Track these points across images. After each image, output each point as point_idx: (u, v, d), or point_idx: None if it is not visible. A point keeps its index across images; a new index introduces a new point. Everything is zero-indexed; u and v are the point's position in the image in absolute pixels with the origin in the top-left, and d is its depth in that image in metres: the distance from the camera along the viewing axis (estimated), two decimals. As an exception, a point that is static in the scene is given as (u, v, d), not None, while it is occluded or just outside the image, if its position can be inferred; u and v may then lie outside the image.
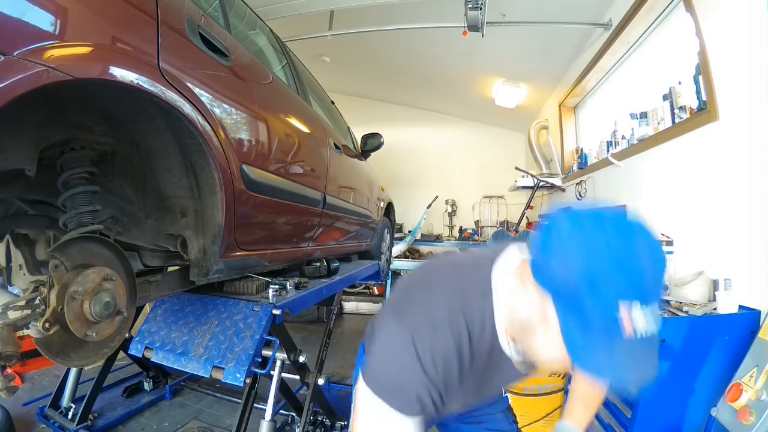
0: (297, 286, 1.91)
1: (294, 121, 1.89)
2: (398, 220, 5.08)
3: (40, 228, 1.22)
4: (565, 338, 0.52)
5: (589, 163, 3.32)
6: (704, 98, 1.78)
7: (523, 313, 0.62)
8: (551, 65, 3.89)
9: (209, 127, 1.20)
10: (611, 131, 2.87)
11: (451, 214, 6.04)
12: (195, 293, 1.77)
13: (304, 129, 1.98)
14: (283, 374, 1.73)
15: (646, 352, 0.47)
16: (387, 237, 4.06)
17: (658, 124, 2.21)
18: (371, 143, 3.16)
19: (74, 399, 2.22)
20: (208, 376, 1.50)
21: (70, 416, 2.14)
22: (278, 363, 1.65)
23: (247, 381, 1.47)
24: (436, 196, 5.79)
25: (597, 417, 1.70)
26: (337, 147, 2.45)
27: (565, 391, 2.11)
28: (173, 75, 1.08)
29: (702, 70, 1.80)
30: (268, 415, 1.60)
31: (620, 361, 0.47)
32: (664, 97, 2.15)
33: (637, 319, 0.45)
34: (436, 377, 0.64)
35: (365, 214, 3.03)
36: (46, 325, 0.90)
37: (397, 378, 0.65)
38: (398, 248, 5.08)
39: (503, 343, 0.69)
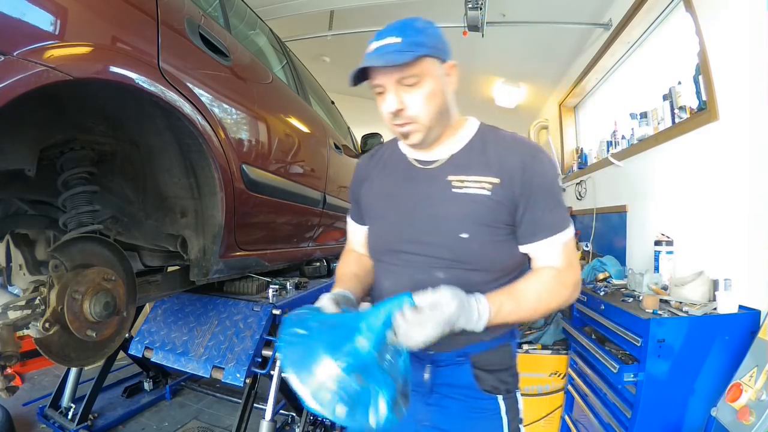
0: (297, 286, 1.91)
1: (294, 121, 1.89)
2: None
3: (40, 228, 1.22)
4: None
5: (589, 163, 3.31)
6: (704, 98, 1.77)
7: None
8: (551, 65, 3.89)
9: (209, 127, 1.20)
10: (611, 131, 2.87)
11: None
12: (195, 293, 1.77)
13: (304, 129, 1.98)
14: (283, 374, 1.73)
15: (385, 43, 0.76)
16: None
17: (658, 124, 2.20)
18: (371, 143, 3.16)
19: (74, 399, 2.22)
20: (208, 376, 1.50)
21: (70, 416, 2.14)
22: (278, 363, 1.65)
23: (247, 381, 1.47)
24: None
25: (597, 417, 1.70)
26: (337, 147, 2.45)
27: (566, 391, 2.11)
28: (173, 75, 1.08)
29: (702, 70, 1.80)
30: (268, 415, 1.60)
31: (367, 58, 0.76)
32: (664, 97, 2.14)
33: (372, 44, 0.77)
34: (356, 183, 1.00)
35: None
36: (46, 325, 0.90)
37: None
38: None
39: (402, 146, 0.92)
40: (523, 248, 0.83)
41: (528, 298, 0.77)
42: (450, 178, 0.82)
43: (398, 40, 0.74)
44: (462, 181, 0.81)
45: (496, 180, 0.80)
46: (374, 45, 0.77)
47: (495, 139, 0.85)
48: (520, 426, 0.90)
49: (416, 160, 0.88)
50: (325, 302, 0.79)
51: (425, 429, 0.89)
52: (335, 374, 0.60)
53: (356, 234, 1.03)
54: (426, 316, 0.66)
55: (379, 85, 0.78)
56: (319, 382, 0.60)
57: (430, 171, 0.86)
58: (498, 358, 0.87)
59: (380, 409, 0.60)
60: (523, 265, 0.87)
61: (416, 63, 0.74)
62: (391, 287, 0.88)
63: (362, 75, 0.79)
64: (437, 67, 0.78)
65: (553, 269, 0.81)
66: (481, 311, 0.72)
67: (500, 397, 0.87)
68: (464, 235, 0.79)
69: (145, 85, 0.97)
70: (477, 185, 0.80)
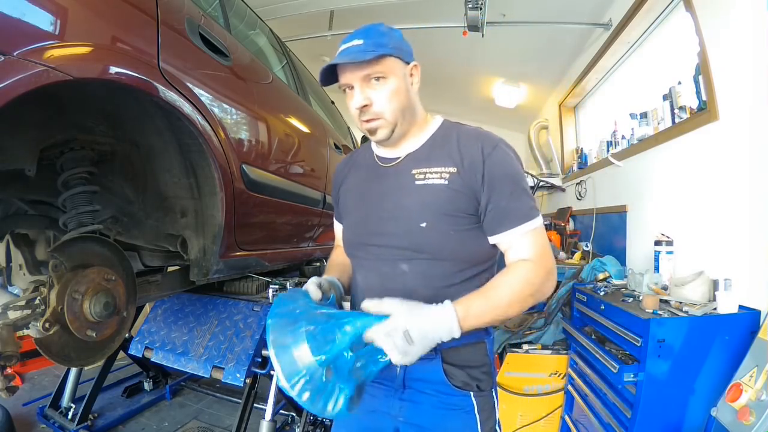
0: (297, 286, 1.91)
1: (294, 121, 1.89)
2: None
3: (40, 228, 1.22)
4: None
5: (589, 163, 3.31)
6: (704, 98, 1.77)
7: None
8: (551, 65, 3.89)
9: (209, 127, 1.20)
10: (611, 131, 2.87)
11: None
12: (195, 293, 1.77)
13: (304, 129, 1.98)
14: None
15: (350, 45, 0.81)
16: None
17: (658, 124, 2.20)
18: (371, 143, 3.16)
19: (74, 399, 2.22)
20: (208, 376, 1.50)
21: (70, 416, 2.14)
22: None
23: (247, 381, 1.47)
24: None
25: (597, 417, 1.70)
26: (337, 147, 2.45)
27: (566, 391, 2.11)
28: (173, 75, 1.08)
29: (702, 70, 1.79)
30: (268, 415, 1.60)
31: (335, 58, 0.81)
32: (664, 97, 2.14)
33: (340, 47, 0.82)
34: (335, 184, 1.04)
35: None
36: (46, 325, 0.90)
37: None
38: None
39: (374, 146, 0.96)
40: (492, 239, 0.83)
41: (500, 295, 0.75)
42: (413, 171, 0.86)
43: (361, 42, 0.80)
44: (423, 174, 0.84)
45: (453, 169, 0.82)
46: (341, 48, 0.82)
47: (458, 132, 0.88)
48: (497, 428, 0.89)
49: (383, 157, 0.92)
50: (310, 286, 0.84)
51: (400, 425, 0.90)
52: (310, 364, 0.65)
53: (339, 232, 1.07)
54: (387, 344, 0.66)
55: (347, 83, 0.83)
56: (295, 367, 0.66)
57: (395, 167, 0.89)
58: (469, 354, 0.87)
59: (338, 403, 0.67)
60: (494, 257, 0.87)
61: (380, 61, 0.80)
62: (362, 281, 0.91)
63: (333, 78, 0.84)
64: (400, 67, 0.83)
65: (525, 261, 0.79)
66: (448, 317, 0.69)
67: (472, 394, 0.86)
68: (423, 224, 0.81)
69: (144, 85, 0.97)
70: (436, 176, 0.83)
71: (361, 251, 0.91)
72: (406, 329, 0.66)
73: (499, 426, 0.90)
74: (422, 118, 0.91)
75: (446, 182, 0.81)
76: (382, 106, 0.82)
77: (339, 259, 1.05)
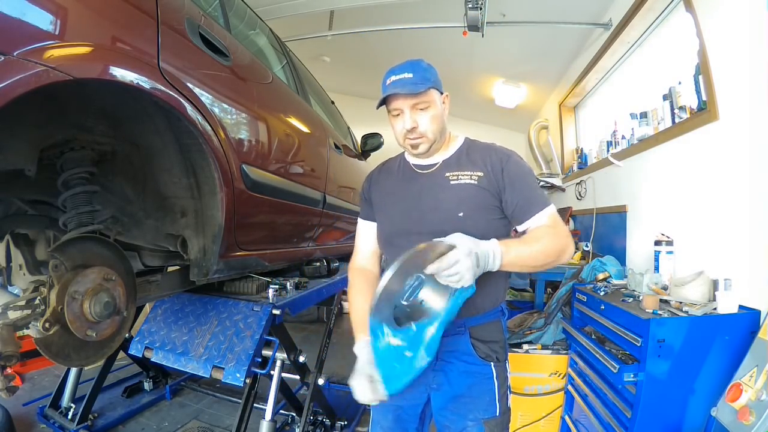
0: (297, 286, 1.91)
1: (294, 121, 1.89)
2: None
3: (40, 228, 1.22)
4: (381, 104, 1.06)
5: (589, 163, 3.31)
6: (704, 98, 1.77)
7: None
8: (551, 65, 3.89)
9: (209, 127, 1.20)
10: (611, 131, 2.87)
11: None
12: (195, 293, 1.77)
13: (304, 129, 1.98)
14: (283, 374, 1.73)
15: (401, 77, 0.99)
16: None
17: (658, 124, 2.20)
18: (371, 143, 3.16)
19: (74, 399, 2.22)
20: (208, 376, 1.50)
21: (70, 416, 2.14)
22: (278, 363, 1.65)
23: (247, 381, 1.47)
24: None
25: (597, 417, 1.70)
26: (337, 147, 2.45)
27: (566, 391, 2.11)
28: (173, 75, 1.08)
29: (702, 70, 1.79)
30: (268, 415, 1.60)
31: (390, 87, 0.99)
32: (664, 97, 2.14)
33: (391, 77, 1.00)
34: (368, 187, 1.22)
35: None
36: (46, 325, 0.90)
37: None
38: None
39: (407, 156, 1.17)
40: (521, 227, 1.03)
41: (533, 239, 0.95)
42: (447, 174, 1.06)
43: (410, 75, 0.98)
44: (456, 176, 1.05)
45: (480, 173, 1.04)
46: (392, 78, 1.00)
47: (478, 146, 1.12)
48: (508, 392, 1.11)
49: (419, 165, 1.13)
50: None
51: (432, 392, 1.10)
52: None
53: (367, 232, 1.22)
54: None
55: (397, 108, 1.02)
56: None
57: (430, 173, 1.10)
58: (490, 331, 1.09)
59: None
60: None
61: (426, 92, 1.00)
62: None
63: (382, 101, 1.03)
64: (438, 97, 1.04)
65: (546, 225, 0.99)
66: (494, 246, 0.88)
67: (492, 365, 1.07)
68: (460, 214, 1.01)
69: (145, 85, 0.97)
70: (467, 177, 1.04)
71: (403, 239, 1.05)
72: (476, 252, 0.84)
73: (510, 390, 1.13)
74: (448, 135, 1.13)
75: (476, 182, 1.03)
76: (425, 128, 1.02)
77: (365, 304, 1.03)
